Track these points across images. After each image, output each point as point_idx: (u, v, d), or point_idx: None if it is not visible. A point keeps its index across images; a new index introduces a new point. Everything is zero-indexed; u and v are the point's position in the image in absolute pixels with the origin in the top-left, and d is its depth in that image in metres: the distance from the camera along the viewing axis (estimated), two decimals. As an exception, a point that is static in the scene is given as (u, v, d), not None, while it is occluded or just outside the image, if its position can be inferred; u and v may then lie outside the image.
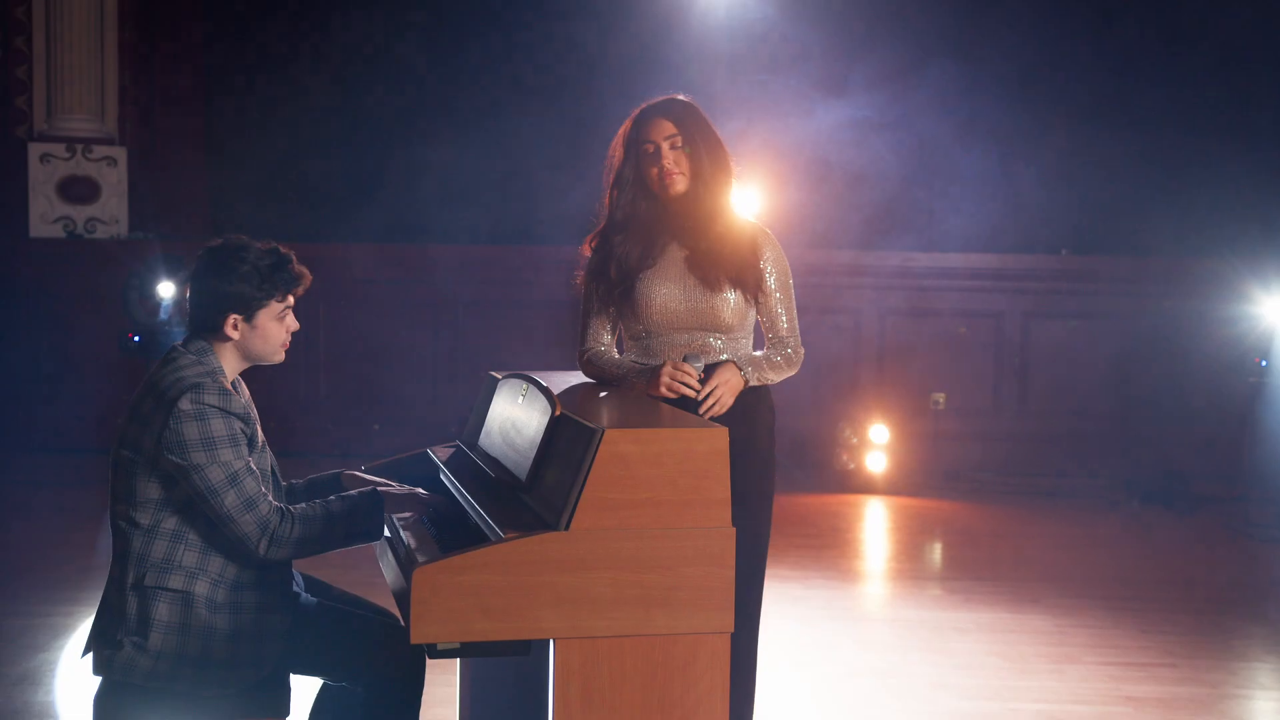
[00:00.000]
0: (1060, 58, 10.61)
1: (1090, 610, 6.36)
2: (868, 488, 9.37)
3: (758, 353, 3.85)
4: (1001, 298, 10.19)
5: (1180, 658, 5.67)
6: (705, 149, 3.78)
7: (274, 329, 3.44)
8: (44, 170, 10.70)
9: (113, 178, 10.81)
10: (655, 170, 3.78)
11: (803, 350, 3.90)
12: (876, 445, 9.54)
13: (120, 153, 10.88)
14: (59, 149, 10.73)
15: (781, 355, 3.84)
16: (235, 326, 3.39)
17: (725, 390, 3.67)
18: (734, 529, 2.97)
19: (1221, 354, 9.24)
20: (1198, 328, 9.57)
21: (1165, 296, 9.86)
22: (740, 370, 3.72)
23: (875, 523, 8.61)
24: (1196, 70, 10.43)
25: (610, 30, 10.83)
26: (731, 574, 2.96)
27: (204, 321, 3.41)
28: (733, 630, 2.98)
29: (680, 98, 3.86)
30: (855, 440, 9.53)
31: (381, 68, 11.26)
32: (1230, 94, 10.53)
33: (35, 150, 10.73)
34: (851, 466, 9.49)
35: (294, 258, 3.49)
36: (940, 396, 10.13)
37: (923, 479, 9.69)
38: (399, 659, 3.39)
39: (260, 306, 3.41)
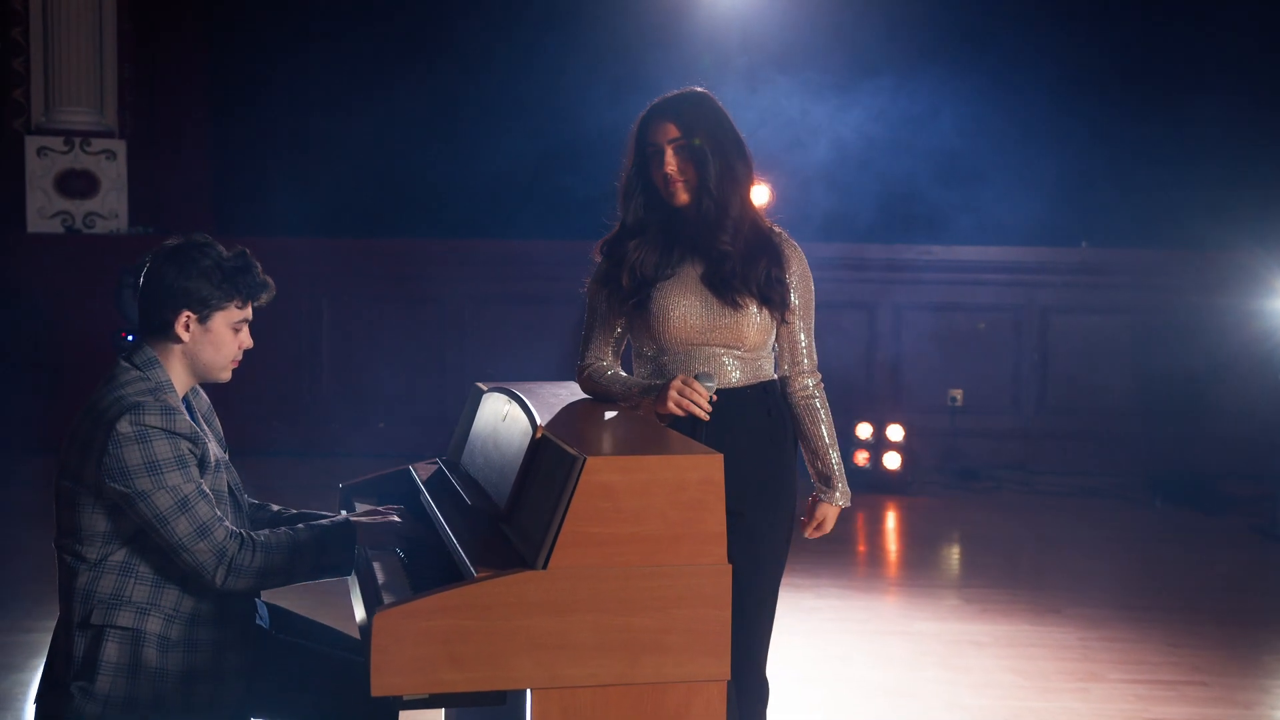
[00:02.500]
0: (1082, 50, 10.32)
1: (1114, 622, 6.09)
2: (883, 486, 9.10)
3: (830, 458, 3.58)
4: (1020, 292, 9.91)
5: (1210, 675, 5.40)
6: (714, 153, 3.43)
7: (227, 338, 3.17)
8: (41, 164, 10.48)
9: (112, 171, 10.58)
10: (660, 178, 3.46)
11: (820, 376, 3.63)
12: (892, 443, 9.27)
13: (120, 146, 10.65)
14: (57, 142, 10.51)
15: (824, 411, 3.60)
16: (187, 327, 3.12)
17: (827, 529, 3.63)
18: (729, 566, 2.71)
19: (1248, 350, 8.97)
20: (1223, 322, 9.30)
21: (1189, 291, 9.59)
22: (838, 504, 3.61)
23: (890, 524, 8.35)
24: (1221, 61, 10.14)
25: (617, 26, 10.57)
26: (728, 615, 2.69)
27: (153, 320, 3.14)
28: (729, 678, 2.72)
29: (694, 90, 3.53)
30: (871, 438, 9.27)
31: (388, 60, 11.01)
32: (1255, 85, 10.24)
33: (33, 144, 10.50)
34: (867, 465, 9.22)
35: (259, 266, 3.22)
36: (957, 393, 9.87)
37: (939, 477, 9.43)
38: (372, 702, 3.14)
39: (218, 308, 3.14)
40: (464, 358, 10.12)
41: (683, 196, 3.46)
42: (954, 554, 7.75)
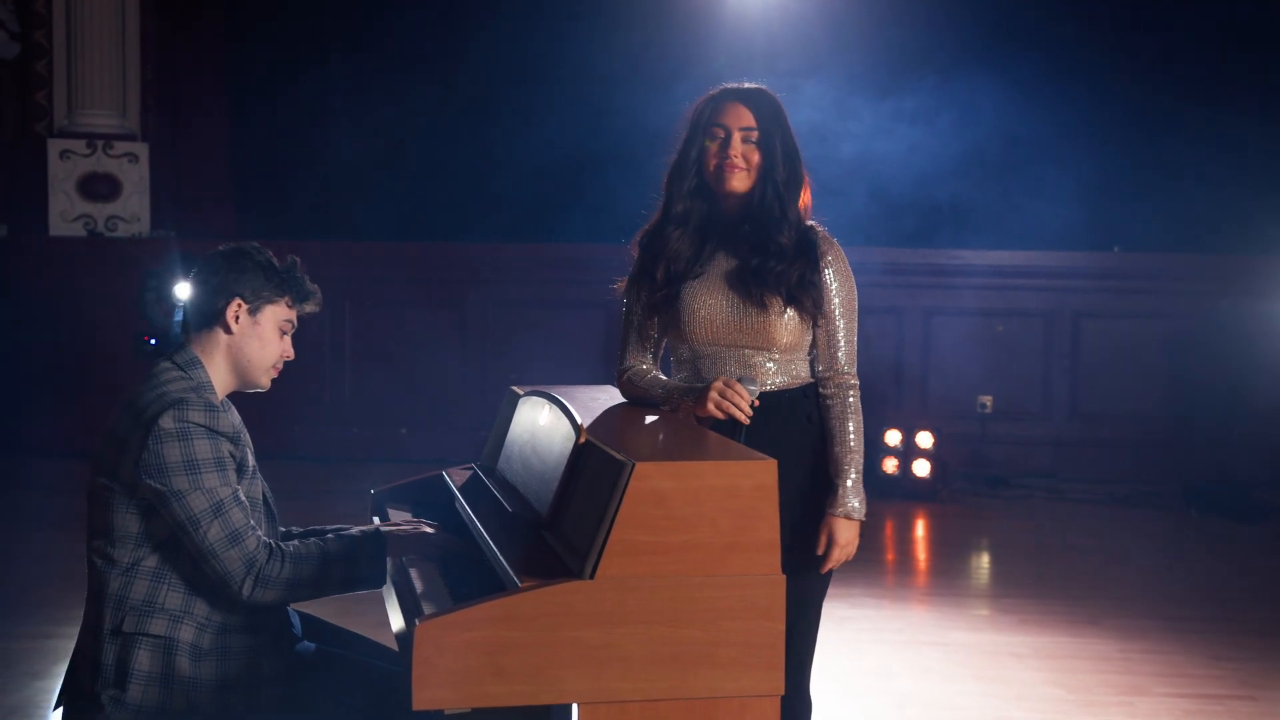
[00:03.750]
0: (1114, 54, 10.20)
1: (1154, 633, 5.96)
2: (912, 494, 8.98)
3: (846, 466, 3.34)
4: (1051, 297, 9.79)
5: (1258, 689, 5.26)
6: (781, 148, 3.37)
7: (273, 336, 3.12)
8: (64, 167, 10.43)
9: (134, 175, 10.53)
10: (715, 161, 3.36)
11: (858, 383, 3.45)
12: (921, 450, 9.15)
13: (142, 149, 10.59)
14: (79, 145, 10.45)
15: (853, 418, 3.39)
16: (237, 317, 3.07)
17: (850, 551, 3.38)
18: (784, 576, 2.60)
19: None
20: (1257, 328, 9.17)
21: (1223, 295, 9.44)
22: (847, 514, 3.34)
23: (921, 532, 8.24)
24: (1256, 65, 10.01)
25: (644, 30, 10.49)
26: (781, 628, 2.58)
27: (204, 310, 3.09)
28: (782, 692, 2.61)
29: (764, 88, 3.44)
30: (900, 445, 9.15)
31: (409, 62, 10.94)
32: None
33: (55, 146, 10.45)
34: (896, 472, 9.10)
35: (307, 276, 3.19)
36: (987, 399, 9.75)
37: (969, 485, 9.29)
38: (411, 715, 3.04)
39: (269, 300, 3.11)
40: (487, 363, 10.03)
41: (737, 183, 3.36)
42: (985, 563, 7.63)
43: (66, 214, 10.42)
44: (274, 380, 3.21)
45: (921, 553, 7.85)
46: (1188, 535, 8.15)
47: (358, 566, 3.04)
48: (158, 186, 10.68)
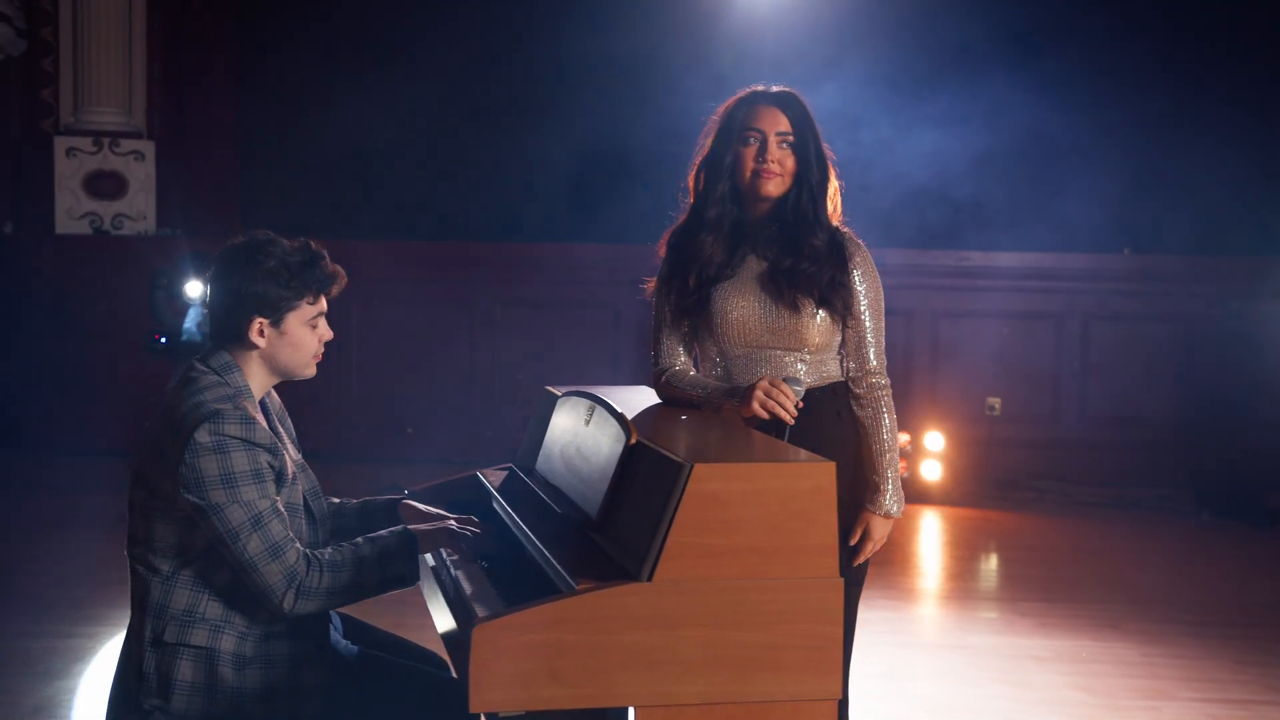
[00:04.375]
0: (1126, 56, 10.17)
1: (1176, 638, 5.94)
2: (922, 497, 8.95)
3: (882, 464, 3.41)
4: (1060, 299, 9.77)
5: (1283, 693, 5.26)
6: (814, 152, 3.38)
7: (305, 336, 3.04)
8: (70, 165, 10.38)
9: (140, 172, 10.48)
10: (752, 167, 3.35)
11: (888, 381, 3.48)
12: (930, 453, 9.14)
13: (148, 146, 10.55)
14: (85, 143, 10.41)
15: (887, 416, 3.44)
16: (261, 333, 2.99)
17: (880, 544, 3.42)
18: (841, 579, 2.58)
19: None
20: (1269, 330, 9.14)
21: (1234, 297, 9.43)
22: (886, 513, 3.39)
23: (932, 535, 8.21)
24: (1268, 66, 9.99)
25: (650, 30, 10.46)
26: (839, 632, 2.56)
27: (226, 328, 3.01)
28: (840, 697, 2.58)
29: (795, 91, 3.43)
30: (908, 447, 9.13)
31: (420, 57, 10.89)
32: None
33: (61, 144, 10.41)
34: (905, 474, 9.08)
35: (326, 255, 3.07)
36: (996, 402, 9.73)
37: (978, 488, 9.26)
38: (456, 717, 3.01)
39: (289, 308, 3.00)
40: (495, 363, 10.00)
41: (773, 189, 3.36)
42: (999, 566, 7.60)
43: (72, 211, 10.38)
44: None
45: (934, 555, 7.83)
46: (1201, 539, 8.13)
47: (391, 566, 3.00)
48: (164, 184, 10.63)
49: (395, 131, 10.91)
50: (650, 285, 3.56)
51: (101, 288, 9.94)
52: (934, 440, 9.13)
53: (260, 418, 2.99)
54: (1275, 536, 8.21)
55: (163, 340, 8.18)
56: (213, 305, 3.04)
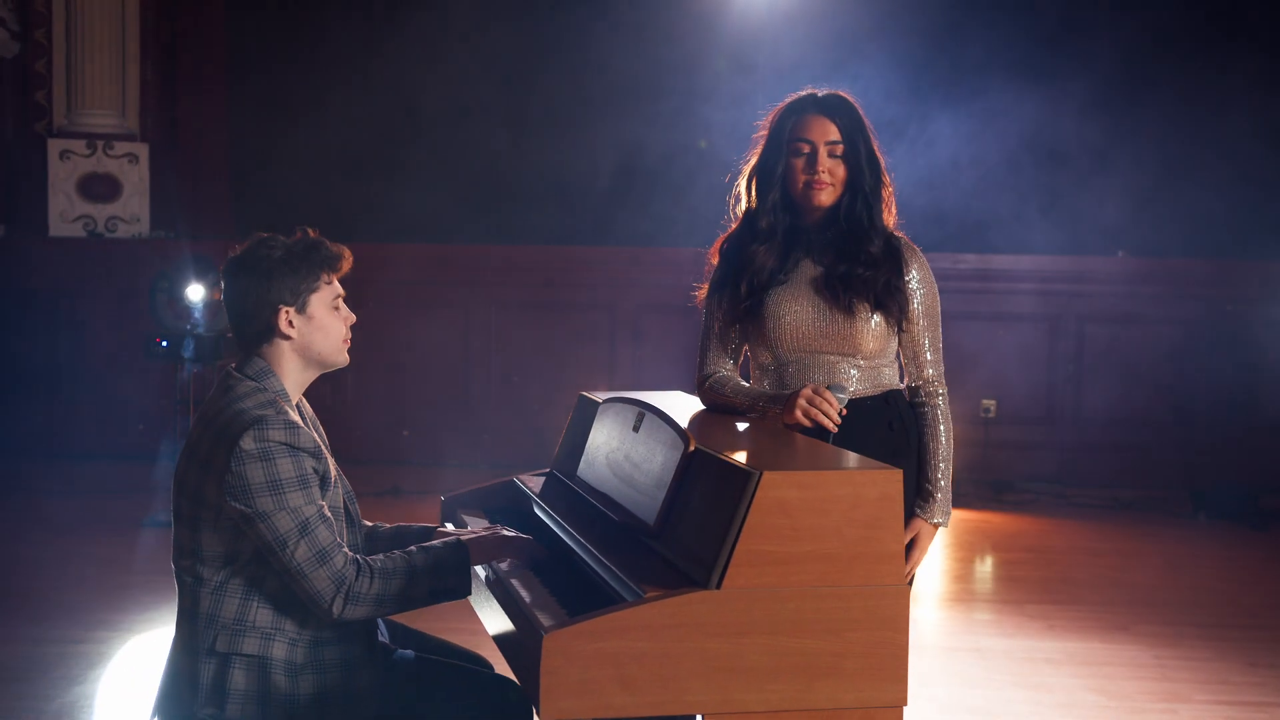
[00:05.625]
0: (1119, 58, 10.21)
1: (1188, 640, 5.97)
2: (920, 499, 8.96)
3: (936, 474, 3.42)
4: (1055, 301, 9.80)
5: (1297, 695, 5.29)
6: (866, 159, 3.37)
7: (331, 320, 3.07)
8: (64, 167, 10.34)
9: (134, 175, 10.44)
10: (803, 179, 3.35)
11: (946, 389, 3.49)
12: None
13: (142, 149, 10.51)
14: (79, 145, 10.36)
15: (944, 425, 3.45)
16: (290, 323, 3.01)
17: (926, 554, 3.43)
18: (908, 587, 2.60)
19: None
20: (1264, 333, 9.21)
21: (1229, 300, 9.49)
22: (936, 523, 3.40)
23: (934, 538, 8.22)
24: (1262, 67, 10.04)
25: (651, 35, 10.47)
26: (905, 639, 2.58)
27: (253, 329, 3.03)
28: (906, 704, 2.60)
29: (845, 95, 3.43)
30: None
31: (412, 59, 10.87)
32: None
33: (55, 147, 10.36)
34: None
35: (326, 240, 3.11)
36: (991, 404, 9.76)
37: (972, 490, 9.29)
38: (511, 716, 3.01)
39: (310, 290, 3.03)
40: (491, 365, 9.99)
41: (825, 198, 3.36)
42: (999, 568, 7.63)
43: (66, 214, 10.33)
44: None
45: (939, 558, 7.84)
46: (1200, 541, 8.17)
47: (444, 578, 3.00)
48: (158, 187, 10.59)
49: (389, 133, 10.89)
50: (701, 292, 3.56)
51: (95, 291, 9.90)
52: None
53: (301, 422, 3.00)
54: (1272, 538, 8.26)
55: (163, 344, 8.15)
56: (234, 313, 3.06)
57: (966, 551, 7.89)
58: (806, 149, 3.36)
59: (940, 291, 3.46)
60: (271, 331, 3.02)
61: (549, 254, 10.13)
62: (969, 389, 9.74)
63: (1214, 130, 10.04)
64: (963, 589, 7.05)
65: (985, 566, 7.68)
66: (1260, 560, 7.78)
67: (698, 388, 3.54)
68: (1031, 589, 6.95)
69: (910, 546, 3.40)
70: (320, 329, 3.06)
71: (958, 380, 9.61)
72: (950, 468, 3.44)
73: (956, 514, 8.72)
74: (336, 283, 3.10)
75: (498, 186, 10.76)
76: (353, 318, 3.14)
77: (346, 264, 3.11)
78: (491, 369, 10.00)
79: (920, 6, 10.35)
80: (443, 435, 9.80)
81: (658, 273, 9.55)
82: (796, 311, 3.37)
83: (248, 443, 2.86)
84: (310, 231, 3.12)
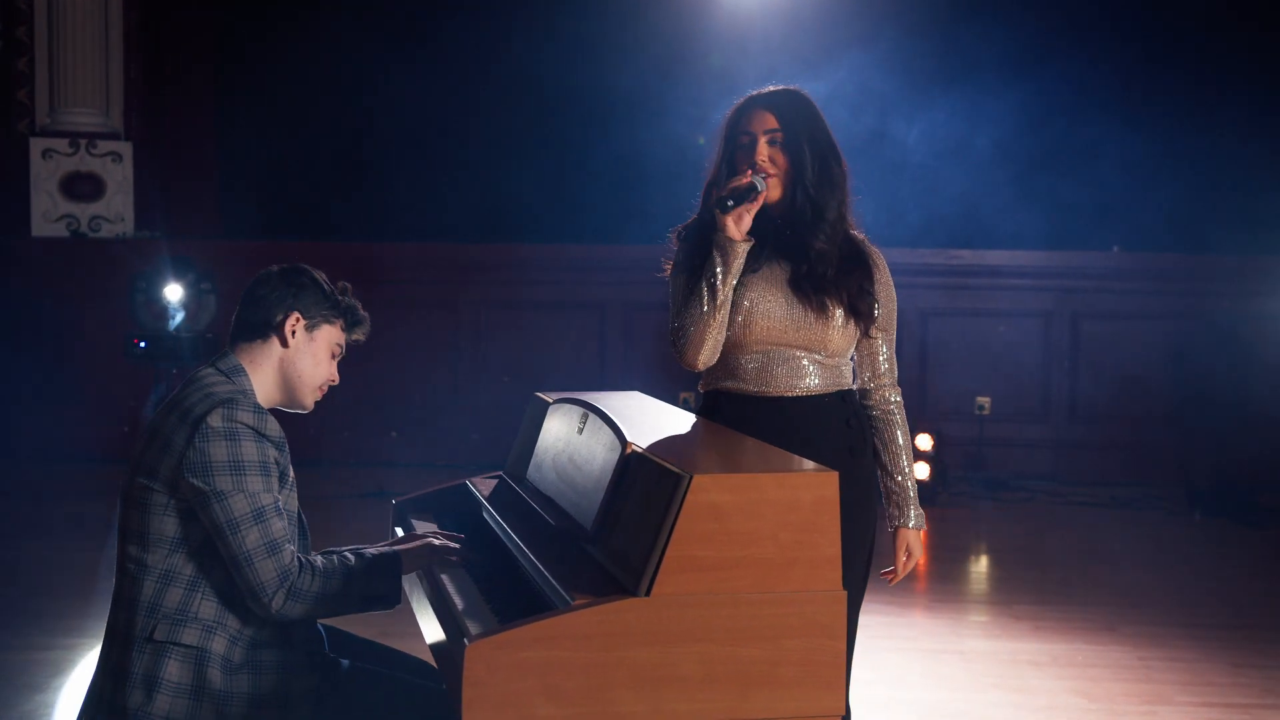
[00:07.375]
0: (1114, 54, 10.11)
1: (1172, 640, 5.86)
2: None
3: (906, 479, 3.45)
4: (1050, 297, 9.70)
5: (1282, 697, 5.18)
6: (810, 149, 3.28)
7: (325, 357, 3.07)
8: (46, 166, 10.25)
9: (118, 174, 10.36)
10: (744, 167, 3.28)
11: (900, 390, 3.46)
12: (920, 453, 9.04)
13: (126, 148, 10.42)
14: (62, 144, 10.27)
15: (902, 427, 3.44)
16: (294, 332, 2.99)
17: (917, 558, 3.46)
18: (845, 592, 2.49)
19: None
20: (1260, 329, 9.09)
21: (1224, 296, 9.38)
22: (919, 528, 3.45)
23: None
24: (1257, 63, 9.94)
25: (639, 34, 10.38)
26: (843, 646, 2.47)
27: (257, 318, 3.01)
28: (844, 713, 2.50)
29: (792, 88, 3.37)
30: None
31: (403, 59, 10.78)
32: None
33: (37, 146, 10.27)
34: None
35: (360, 304, 3.16)
36: (985, 401, 9.65)
37: (966, 488, 9.19)
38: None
39: (325, 320, 3.04)
40: (479, 366, 9.89)
41: (770, 191, 3.26)
42: (993, 568, 7.53)
43: (49, 214, 10.24)
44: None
45: (928, 557, 7.74)
46: (1194, 540, 8.05)
47: (375, 585, 2.97)
48: (142, 186, 10.49)
49: (375, 132, 10.81)
50: (668, 267, 3.46)
51: (78, 291, 9.80)
52: (923, 440, 9.04)
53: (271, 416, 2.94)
54: (1268, 536, 8.14)
55: (142, 345, 8.08)
56: (247, 298, 3.06)
57: (958, 551, 7.77)
58: (746, 140, 3.32)
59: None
60: (271, 329, 3.02)
61: (539, 253, 10.02)
62: (964, 386, 9.64)
63: (1209, 125, 9.92)
64: (951, 589, 6.93)
65: (977, 567, 7.58)
66: (1253, 558, 7.66)
67: (671, 341, 3.36)
68: (1020, 589, 6.84)
69: (905, 557, 3.50)
70: (312, 356, 3.05)
71: (951, 377, 9.62)
72: (913, 468, 3.46)
73: (950, 512, 8.62)
74: (344, 339, 3.12)
75: (487, 186, 10.66)
76: (336, 378, 3.15)
77: (359, 335, 3.15)
78: (480, 369, 9.90)
79: (914, 2, 10.25)
80: (431, 436, 9.71)
81: (648, 272, 9.43)
82: (767, 305, 3.28)
83: (215, 420, 2.83)
84: (350, 288, 3.18)
